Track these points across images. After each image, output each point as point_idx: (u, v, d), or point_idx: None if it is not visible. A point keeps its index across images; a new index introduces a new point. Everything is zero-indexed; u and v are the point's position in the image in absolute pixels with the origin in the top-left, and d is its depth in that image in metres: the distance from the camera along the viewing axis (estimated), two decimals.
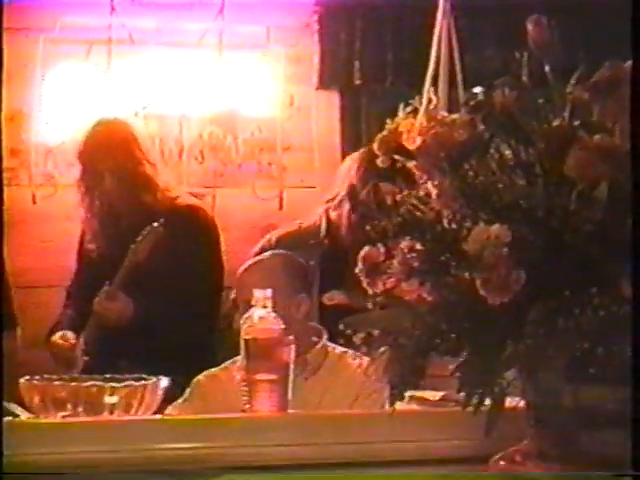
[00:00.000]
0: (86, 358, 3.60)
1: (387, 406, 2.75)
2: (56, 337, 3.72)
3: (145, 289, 3.62)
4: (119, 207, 3.75)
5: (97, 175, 3.76)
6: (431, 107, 1.88)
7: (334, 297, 3.53)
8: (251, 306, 2.40)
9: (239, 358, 3.02)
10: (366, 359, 2.94)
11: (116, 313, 3.63)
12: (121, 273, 3.62)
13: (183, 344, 3.42)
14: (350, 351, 3.02)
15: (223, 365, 3.03)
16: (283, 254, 3.23)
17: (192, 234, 3.72)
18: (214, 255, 3.36)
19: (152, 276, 3.62)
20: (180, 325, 3.53)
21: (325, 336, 3.00)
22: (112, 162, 3.75)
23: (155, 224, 3.60)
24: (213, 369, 3.01)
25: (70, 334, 3.69)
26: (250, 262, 3.15)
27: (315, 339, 2.99)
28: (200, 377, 2.94)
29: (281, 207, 4.56)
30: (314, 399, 2.80)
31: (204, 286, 3.10)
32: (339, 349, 3.02)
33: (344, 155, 4.52)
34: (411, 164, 1.82)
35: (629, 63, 1.73)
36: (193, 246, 3.66)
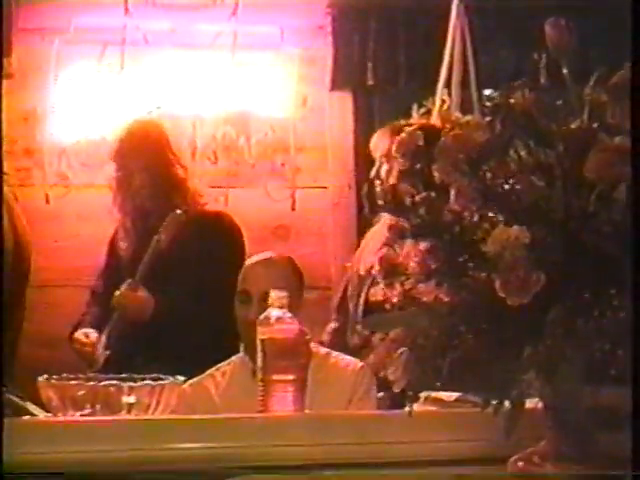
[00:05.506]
0: (108, 352, 3.61)
1: (381, 407, 2.78)
2: (78, 334, 3.73)
3: (166, 284, 3.62)
4: (150, 207, 3.75)
5: (130, 174, 3.78)
6: (444, 108, 1.89)
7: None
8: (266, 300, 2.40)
9: (223, 364, 3.04)
10: (352, 360, 2.97)
11: (136, 306, 3.63)
12: (143, 264, 3.62)
13: (202, 342, 3.43)
14: (334, 352, 3.03)
15: (207, 372, 3.02)
16: (288, 256, 3.19)
17: (218, 240, 3.72)
18: (237, 263, 3.37)
19: (173, 270, 3.63)
20: (199, 323, 3.54)
21: (309, 337, 2.99)
22: (145, 162, 3.77)
23: (178, 211, 3.62)
24: (197, 378, 2.98)
25: (92, 332, 3.70)
26: (259, 258, 3.10)
27: None
28: (185, 386, 2.88)
29: (294, 208, 4.56)
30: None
31: (223, 289, 3.11)
32: (322, 350, 3.03)
33: (357, 156, 4.55)
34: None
35: None
36: (218, 252, 3.66)
